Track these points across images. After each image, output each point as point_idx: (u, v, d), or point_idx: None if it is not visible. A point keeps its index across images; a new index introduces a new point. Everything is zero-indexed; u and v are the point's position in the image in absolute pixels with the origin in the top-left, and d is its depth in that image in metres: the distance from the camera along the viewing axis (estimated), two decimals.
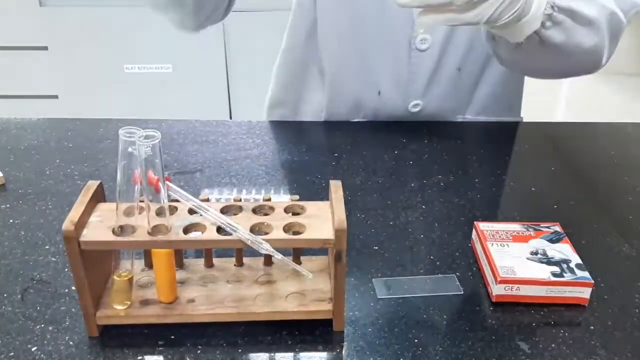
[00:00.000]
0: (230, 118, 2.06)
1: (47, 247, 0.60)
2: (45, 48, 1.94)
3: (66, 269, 0.57)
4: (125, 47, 1.93)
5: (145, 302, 0.50)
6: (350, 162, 0.79)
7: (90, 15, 1.89)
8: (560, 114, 2.62)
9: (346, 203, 0.48)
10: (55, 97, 2.01)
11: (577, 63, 0.70)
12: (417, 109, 0.88)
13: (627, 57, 2.82)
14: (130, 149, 0.45)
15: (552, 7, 0.60)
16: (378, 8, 0.81)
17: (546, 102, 2.59)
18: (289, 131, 0.89)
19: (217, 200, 0.53)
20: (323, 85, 0.90)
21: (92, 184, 0.51)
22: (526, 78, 0.92)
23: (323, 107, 0.91)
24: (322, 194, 0.70)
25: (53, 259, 0.58)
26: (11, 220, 0.65)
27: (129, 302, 0.50)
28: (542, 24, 0.61)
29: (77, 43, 1.93)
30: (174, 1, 0.71)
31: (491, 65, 0.87)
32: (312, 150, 0.82)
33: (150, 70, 1.97)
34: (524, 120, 0.96)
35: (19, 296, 0.54)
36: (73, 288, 0.54)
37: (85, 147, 0.81)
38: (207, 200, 0.52)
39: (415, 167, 0.78)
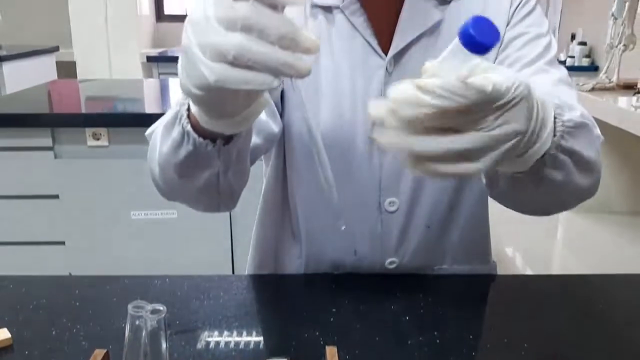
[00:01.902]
0: (233, 262, 2.10)
1: None
2: (57, 196, 2.03)
3: None
4: (133, 194, 2.01)
5: None
6: (347, 318, 0.81)
7: (101, 165, 2.00)
8: (557, 259, 2.65)
9: None
10: (62, 243, 2.07)
11: (572, 199, 0.72)
12: (393, 266, 0.92)
13: (619, 196, 2.91)
14: (137, 322, 0.49)
15: (557, 147, 0.59)
16: (346, 175, 0.87)
17: (543, 246, 2.64)
18: (288, 285, 0.92)
19: None
20: (301, 251, 0.95)
21: (99, 353, 0.53)
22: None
23: (302, 270, 0.95)
24: (321, 352, 0.72)
25: None
26: None
27: None
28: (545, 163, 0.60)
29: (87, 191, 2.02)
30: (204, 192, 0.71)
31: (456, 219, 0.92)
32: (310, 305, 0.84)
33: (156, 217, 2.04)
34: (498, 264, 0.99)
35: None
36: None
37: (92, 306, 0.83)
38: None
39: (411, 323, 0.80)
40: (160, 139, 0.69)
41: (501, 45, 0.85)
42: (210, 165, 0.67)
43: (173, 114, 0.65)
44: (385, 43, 0.84)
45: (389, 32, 0.84)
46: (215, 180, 0.69)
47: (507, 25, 0.85)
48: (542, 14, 0.88)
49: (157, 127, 0.73)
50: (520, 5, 0.86)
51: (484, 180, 0.73)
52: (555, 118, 0.59)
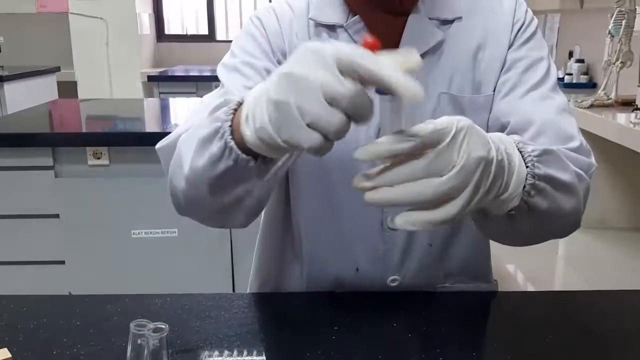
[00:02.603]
0: (233, 280, 2.09)
1: None
2: (57, 216, 2.02)
3: None
4: (133, 213, 2.01)
5: None
6: (349, 336, 0.81)
7: (102, 185, 2.00)
8: (558, 276, 2.65)
9: None
10: (62, 262, 2.06)
11: (560, 226, 0.74)
12: (395, 284, 0.92)
13: (619, 212, 2.92)
14: (139, 341, 0.49)
15: (533, 176, 0.64)
16: (348, 193, 0.87)
17: (545, 263, 2.64)
18: (290, 303, 0.92)
19: None
20: (302, 268, 0.95)
21: None
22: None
23: (303, 287, 0.95)
24: None
25: None
26: None
27: None
28: (528, 193, 0.64)
29: (88, 210, 2.02)
30: (229, 208, 0.71)
31: (458, 238, 0.92)
32: (312, 324, 0.84)
33: (156, 235, 2.04)
34: (499, 281, 0.99)
35: None
36: None
37: (92, 325, 0.83)
38: None
39: (414, 341, 0.80)
40: (194, 153, 0.68)
41: (504, 66, 0.86)
42: (246, 181, 0.67)
43: (213, 129, 0.64)
44: None
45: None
46: (247, 196, 0.70)
47: (510, 48, 0.86)
48: (542, 37, 0.90)
49: (183, 145, 0.71)
50: (522, 29, 0.87)
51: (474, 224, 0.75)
52: (520, 151, 0.64)
